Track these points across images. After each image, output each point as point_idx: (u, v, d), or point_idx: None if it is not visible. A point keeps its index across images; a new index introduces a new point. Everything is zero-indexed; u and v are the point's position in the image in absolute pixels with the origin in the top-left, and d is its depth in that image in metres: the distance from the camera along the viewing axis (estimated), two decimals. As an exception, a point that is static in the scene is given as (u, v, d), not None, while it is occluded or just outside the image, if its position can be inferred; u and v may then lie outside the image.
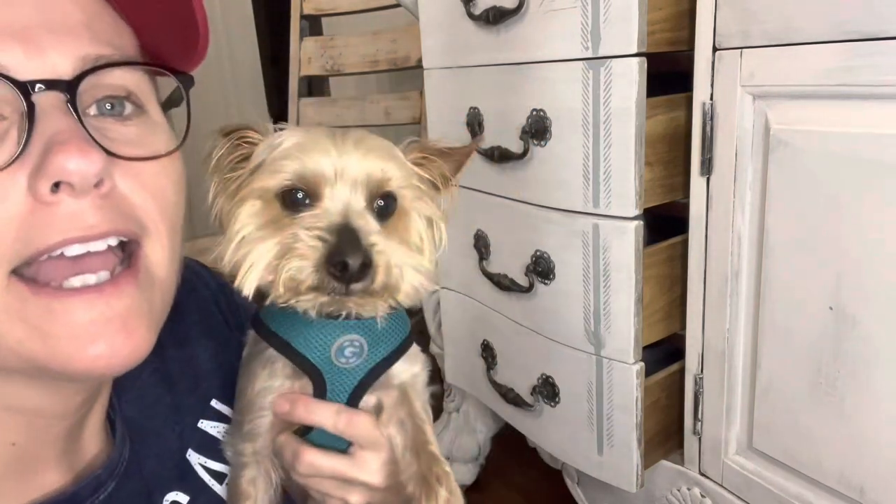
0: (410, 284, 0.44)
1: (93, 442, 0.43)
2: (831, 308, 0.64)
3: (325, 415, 0.46)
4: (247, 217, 0.43)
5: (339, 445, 0.48)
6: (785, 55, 0.63)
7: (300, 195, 0.42)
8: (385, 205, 0.45)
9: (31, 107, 0.32)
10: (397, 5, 1.20)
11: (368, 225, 0.42)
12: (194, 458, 0.48)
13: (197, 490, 0.47)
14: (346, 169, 0.43)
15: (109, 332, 0.34)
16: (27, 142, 0.32)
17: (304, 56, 1.68)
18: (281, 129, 0.46)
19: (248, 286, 0.41)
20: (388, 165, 0.44)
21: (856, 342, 0.62)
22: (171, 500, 0.45)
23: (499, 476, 1.38)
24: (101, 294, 0.34)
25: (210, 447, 0.49)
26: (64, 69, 0.34)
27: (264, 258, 0.41)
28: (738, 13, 0.66)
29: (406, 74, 1.62)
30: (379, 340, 0.48)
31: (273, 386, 0.47)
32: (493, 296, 0.99)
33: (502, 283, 0.94)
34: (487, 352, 1.05)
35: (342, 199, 0.42)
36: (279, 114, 2.46)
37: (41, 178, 0.32)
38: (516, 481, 1.35)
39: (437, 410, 1.35)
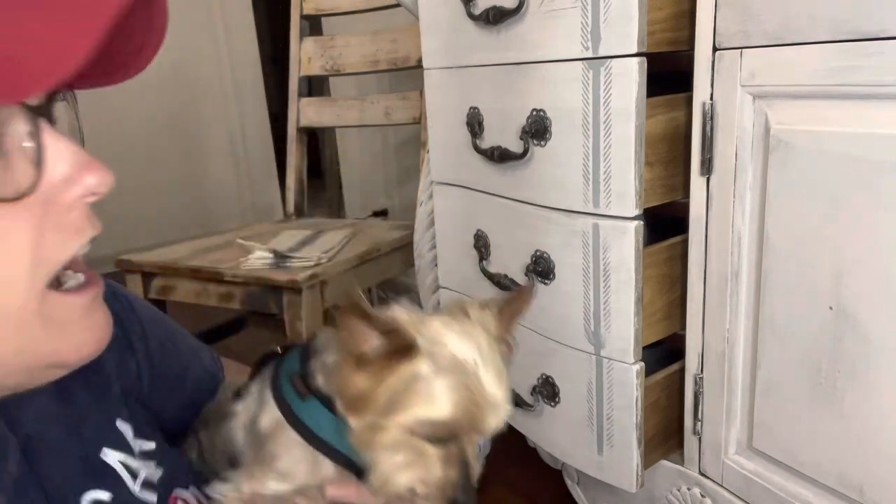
0: None
1: None
2: (831, 308, 0.64)
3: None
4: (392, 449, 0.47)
5: None
6: (785, 55, 0.63)
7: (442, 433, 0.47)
8: None
9: (37, 128, 0.34)
10: (397, 5, 1.20)
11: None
12: (112, 456, 0.49)
13: (116, 486, 0.48)
14: (487, 424, 0.48)
15: (105, 320, 0.42)
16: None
17: (304, 56, 1.68)
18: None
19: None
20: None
21: (856, 342, 0.62)
22: (90, 498, 0.46)
23: (499, 476, 1.38)
24: (92, 288, 0.40)
25: (126, 444, 0.51)
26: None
27: (401, 476, 0.47)
28: (738, 13, 0.66)
29: (406, 74, 1.62)
30: None
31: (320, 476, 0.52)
32: (494, 296, 0.99)
33: (502, 283, 0.94)
34: (487, 352, 1.05)
35: (474, 442, 0.48)
36: (279, 114, 2.46)
37: (72, 190, 0.36)
38: (516, 481, 1.35)
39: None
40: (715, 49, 0.69)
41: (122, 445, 0.50)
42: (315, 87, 1.77)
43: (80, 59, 0.30)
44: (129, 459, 0.50)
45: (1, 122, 0.33)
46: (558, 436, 0.94)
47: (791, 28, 0.61)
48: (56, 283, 0.38)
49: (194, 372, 0.65)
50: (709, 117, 0.71)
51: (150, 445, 0.53)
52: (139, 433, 0.52)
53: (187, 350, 0.65)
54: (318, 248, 1.32)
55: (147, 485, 0.50)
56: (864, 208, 0.60)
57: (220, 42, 3.13)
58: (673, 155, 0.78)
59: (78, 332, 0.39)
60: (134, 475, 0.50)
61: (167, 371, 0.60)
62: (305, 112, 1.70)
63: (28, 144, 0.34)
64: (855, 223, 0.60)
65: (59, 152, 0.35)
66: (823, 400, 0.67)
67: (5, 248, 0.34)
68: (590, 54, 0.74)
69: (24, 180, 0.34)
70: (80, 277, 0.40)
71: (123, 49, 0.38)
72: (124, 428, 0.51)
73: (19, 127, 0.34)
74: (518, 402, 0.97)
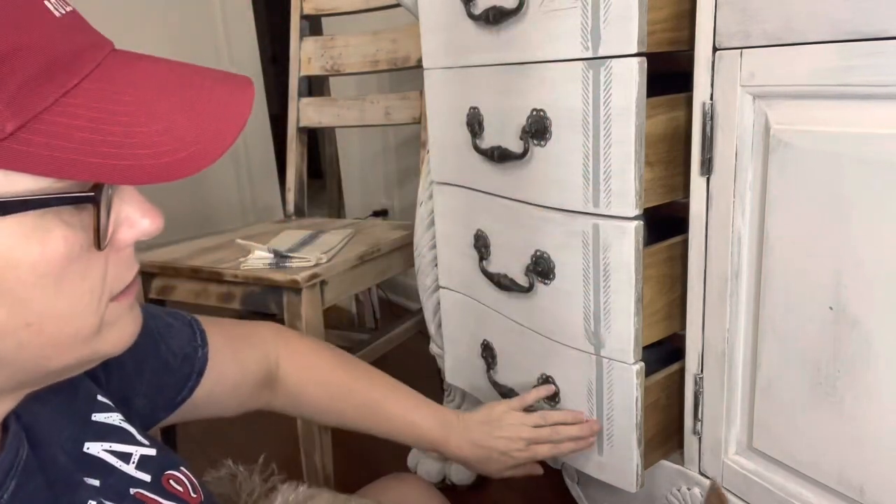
0: None
1: None
2: (831, 308, 0.64)
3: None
4: None
5: None
6: (785, 55, 0.63)
7: None
8: None
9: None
10: (397, 5, 1.20)
11: None
12: (95, 447, 0.50)
13: (105, 473, 0.49)
14: None
15: (139, 309, 0.46)
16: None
17: (304, 56, 1.68)
18: None
19: None
20: None
21: (856, 342, 0.62)
22: (87, 483, 0.48)
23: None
24: (135, 287, 0.45)
25: (109, 433, 0.52)
26: None
27: None
28: (738, 13, 0.66)
29: (406, 74, 1.62)
30: None
31: None
32: (493, 296, 0.99)
33: (502, 283, 0.94)
34: (487, 352, 1.05)
35: None
36: (279, 114, 2.46)
37: (130, 233, 0.41)
38: (516, 481, 1.35)
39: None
40: (715, 49, 0.69)
41: (104, 435, 0.51)
42: (315, 87, 1.77)
43: (217, 157, 0.38)
44: (116, 446, 0.51)
45: (107, 190, 0.38)
46: (558, 436, 0.94)
47: (791, 28, 0.61)
48: None
49: (153, 362, 0.63)
50: (709, 117, 0.71)
51: (136, 432, 0.54)
52: (125, 421, 0.54)
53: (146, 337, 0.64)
54: (318, 248, 1.32)
55: (142, 464, 0.52)
56: (864, 208, 0.60)
57: (220, 42, 3.13)
58: (673, 155, 0.78)
59: (125, 325, 0.44)
60: (126, 458, 0.51)
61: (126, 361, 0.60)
62: (305, 112, 1.70)
63: (109, 199, 0.39)
64: (855, 223, 0.60)
65: (128, 196, 0.41)
66: (823, 400, 0.67)
67: (86, 285, 0.39)
68: (590, 54, 0.74)
69: (106, 229, 0.38)
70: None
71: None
72: (106, 417, 0.53)
73: (110, 188, 0.39)
74: (518, 402, 0.98)
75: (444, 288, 1.13)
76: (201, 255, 1.34)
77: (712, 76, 0.70)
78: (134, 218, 0.41)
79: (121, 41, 0.42)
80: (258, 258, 1.26)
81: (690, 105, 0.74)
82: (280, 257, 1.26)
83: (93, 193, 0.36)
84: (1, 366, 0.38)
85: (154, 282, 1.33)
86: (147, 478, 0.52)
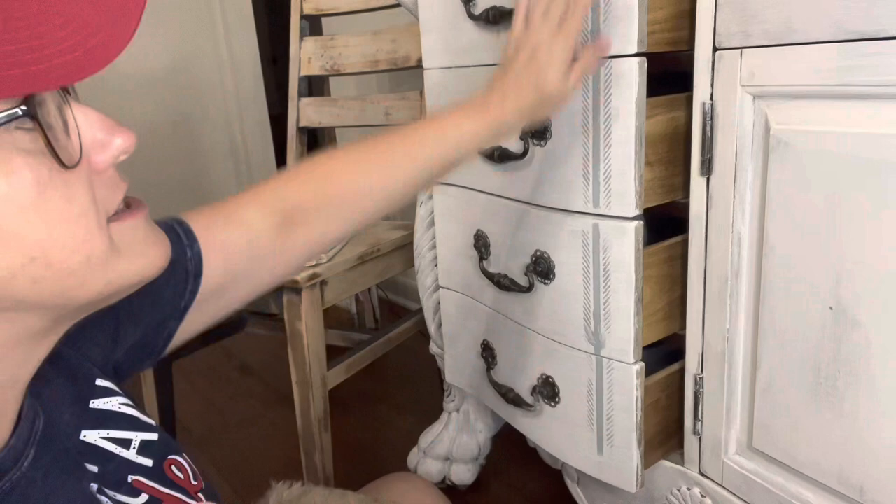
0: None
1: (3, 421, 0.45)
2: (831, 308, 0.64)
3: None
4: None
5: None
6: (785, 55, 0.63)
7: None
8: None
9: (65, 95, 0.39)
10: (397, 5, 1.20)
11: None
12: (92, 435, 0.50)
13: (104, 460, 0.49)
14: None
15: (161, 233, 0.45)
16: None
17: (304, 56, 1.68)
18: None
19: None
20: None
21: (856, 342, 0.62)
22: (88, 469, 0.47)
23: (499, 476, 1.38)
24: (142, 208, 0.44)
25: (107, 420, 0.52)
26: None
27: None
28: (738, 13, 0.66)
29: (406, 74, 1.62)
30: None
31: None
32: (493, 296, 0.99)
33: (502, 283, 0.94)
34: (487, 352, 1.05)
35: None
36: (279, 114, 2.46)
37: (105, 152, 0.40)
38: (516, 481, 1.35)
39: (437, 410, 1.36)
40: (715, 49, 0.69)
41: (102, 423, 0.51)
42: (315, 87, 1.77)
43: (126, 44, 0.36)
44: (115, 433, 0.51)
45: (41, 101, 0.37)
46: (558, 436, 0.94)
47: (791, 28, 0.61)
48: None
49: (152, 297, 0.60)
50: (709, 117, 0.71)
51: (140, 415, 0.54)
52: (128, 405, 0.53)
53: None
54: (318, 248, 1.32)
55: (144, 449, 0.52)
56: (864, 208, 0.60)
57: (220, 42, 3.13)
58: (673, 155, 0.78)
59: (147, 247, 0.43)
60: (125, 444, 0.51)
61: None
62: (305, 112, 1.70)
63: (61, 117, 0.38)
64: (855, 223, 0.60)
65: (89, 119, 0.39)
66: (823, 400, 0.67)
67: (77, 210, 0.38)
68: (590, 54, 0.74)
69: (71, 149, 0.38)
70: (122, 205, 0.43)
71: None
72: (105, 403, 0.52)
73: (51, 103, 0.38)
74: (518, 402, 0.98)
75: (444, 288, 1.13)
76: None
77: (712, 76, 0.70)
78: (104, 139, 0.40)
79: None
80: (258, 258, 1.26)
81: (690, 105, 0.74)
82: (280, 257, 1.26)
83: (21, 108, 0.35)
84: (27, 307, 0.38)
85: (154, 282, 1.33)
86: (149, 462, 0.51)
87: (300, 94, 1.70)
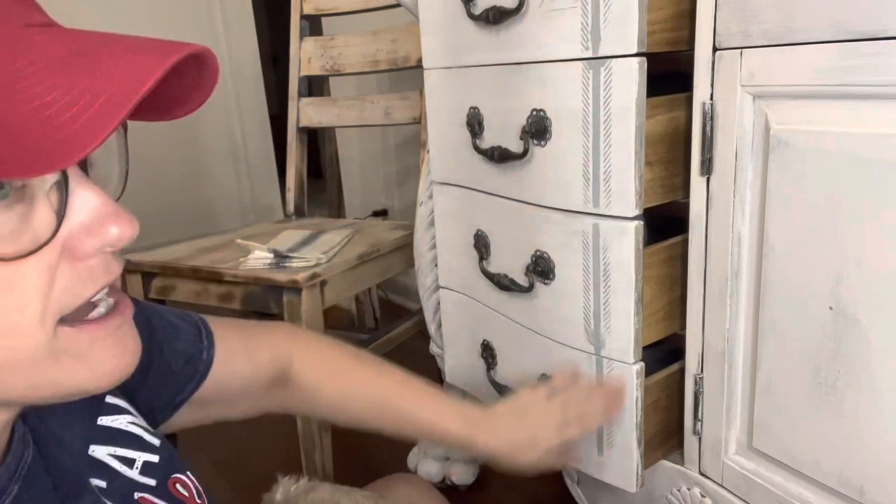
0: None
1: None
2: (831, 308, 0.64)
3: None
4: None
5: None
6: (785, 55, 0.63)
7: None
8: None
9: (65, 176, 0.34)
10: (397, 5, 1.20)
11: None
12: (100, 451, 0.49)
13: (111, 476, 0.49)
14: None
15: (132, 345, 0.40)
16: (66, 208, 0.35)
17: (304, 56, 1.68)
18: None
19: None
20: None
21: (856, 342, 0.62)
22: (94, 484, 0.47)
23: (499, 476, 1.38)
24: (116, 315, 0.39)
25: (114, 437, 0.51)
26: None
27: None
28: (738, 13, 0.66)
29: (406, 74, 1.62)
30: None
31: None
32: (493, 296, 0.99)
33: (502, 283, 0.94)
34: (487, 352, 1.05)
35: None
36: (279, 114, 2.46)
37: (91, 241, 0.35)
38: (516, 481, 1.35)
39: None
40: (715, 49, 0.69)
41: (110, 439, 0.51)
42: (315, 87, 1.77)
43: (118, 124, 0.30)
44: (121, 451, 0.51)
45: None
46: (558, 436, 0.94)
47: (791, 28, 0.61)
48: (86, 310, 0.37)
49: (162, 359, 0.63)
50: (709, 117, 0.71)
51: (145, 434, 0.54)
52: (135, 424, 0.53)
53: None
54: (318, 248, 1.32)
55: (146, 470, 0.51)
56: (864, 208, 0.60)
57: (220, 42, 3.13)
58: (673, 155, 0.78)
59: (100, 361, 0.38)
60: (129, 463, 0.51)
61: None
62: (305, 112, 1.70)
63: (54, 192, 0.34)
64: (855, 223, 0.60)
65: (85, 200, 0.35)
66: (823, 400, 0.67)
67: (15, 299, 0.34)
68: (590, 54, 0.74)
69: (43, 229, 0.34)
70: (111, 302, 0.39)
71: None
72: (112, 421, 0.52)
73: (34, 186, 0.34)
74: (518, 402, 0.97)
75: (444, 288, 1.13)
76: (201, 255, 1.34)
77: (712, 76, 0.70)
78: (94, 225, 0.35)
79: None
80: (258, 258, 1.26)
81: (690, 105, 0.74)
82: (280, 257, 1.26)
83: None
84: None
85: (154, 282, 1.33)
86: (152, 482, 0.51)
87: (300, 94, 1.70)
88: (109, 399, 0.53)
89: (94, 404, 0.52)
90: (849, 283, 0.62)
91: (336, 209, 2.05)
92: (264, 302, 1.22)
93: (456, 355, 1.15)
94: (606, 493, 0.99)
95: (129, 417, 0.53)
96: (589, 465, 0.91)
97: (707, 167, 0.73)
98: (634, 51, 0.71)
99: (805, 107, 0.63)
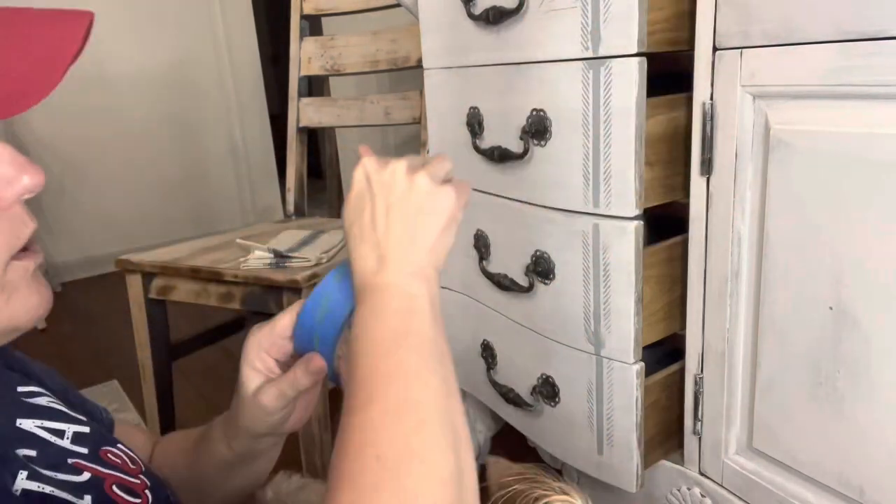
0: None
1: None
2: (831, 308, 0.64)
3: None
4: None
5: None
6: (785, 55, 0.63)
7: None
8: None
9: None
10: (397, 5, 1.20)
11: None
12: (28, 423, 0.51)
13: (42, 445, 0.50)
14: None
15: (47, 286, 0.47)
16: None
17: (304, 56, 1.68)
18: None
19: None
20: None
21: (856, 342, 0.62)
22: (22, 454, 0.48)
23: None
24: (36, 254, 0.46)
25: (39, 412, 0.53)
26: None
27: None
28: (738, 13, 0.66)
29: (406, 74, 1.62)
30: None
31: None
32: (493, 296, 0.99)
33: (502, 283, 0.94)
34: (487, 352, 1.05)
35: None
36: (279, 114, 2.46)
37: (12, 189, 0.42)
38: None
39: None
40: (715, 49, 0.69)
41: (35, 414, 0.52)
42: (315, 87, 1.77)
43: (52, 88, 0.38)
44: (48, 423, 0.52)
45: None
46: (558, 436, 0.94)
47: (791, 28, 0.61)
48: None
49: None
50: (709, 117, 0.71)
51: (70, 410, 0.56)
52: (55, 402, 0.55)
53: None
54: (318, 248, 1.32)
55: (77, 439, 0.53)
56: (864, 208, 0.60)
57: (220, 42, 3.13)
58: (673, 155, 0.78)
59: (28, 295, 0.45)
60: (59, 434, 0.52)
61: None
62: (305, 112, 1.70)
63: None
64: (855, 223, 0.60)
65: (2, 154, 0.42)
66: (823, 400, 0.67)
67: None
68: (590, 54, 0.74)
69: None
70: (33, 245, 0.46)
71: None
72: (33, 399, 0.54)
73: None
74: (518, 402, 0.98)
75: (444, 288, 1.13)
76: (201, 255, 1.34)
77: (712, 76, 0.70)
78: (10, 175, 0.42)
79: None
80: (258, 258, 1.26)
81: (690, 105, 0.74)
82: (280, 257, 1.26)
83: None
84: None
85: (154, 282, 1.33)
86: (84, 450, 0.53)
87: (300, 94, 1.70)
88: (21, 388, 0.55)
89: (11, 386, 0.54)
90: (849, 283, 0.62)
91: (336, 209, 2.05)
92: (264, 302, 1.22)
93: (456, 355, 1.15)
94: (606, 493, 0.99)
95: (47, 398, 0.55)
96: (589, 465, 0.91)
97: (707, 167, 0.73)
98: (634, 51, 0.71)
99: (805, 107, 0.63)
